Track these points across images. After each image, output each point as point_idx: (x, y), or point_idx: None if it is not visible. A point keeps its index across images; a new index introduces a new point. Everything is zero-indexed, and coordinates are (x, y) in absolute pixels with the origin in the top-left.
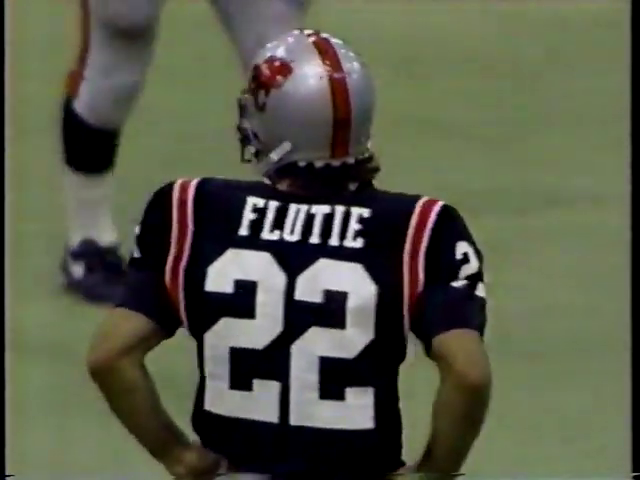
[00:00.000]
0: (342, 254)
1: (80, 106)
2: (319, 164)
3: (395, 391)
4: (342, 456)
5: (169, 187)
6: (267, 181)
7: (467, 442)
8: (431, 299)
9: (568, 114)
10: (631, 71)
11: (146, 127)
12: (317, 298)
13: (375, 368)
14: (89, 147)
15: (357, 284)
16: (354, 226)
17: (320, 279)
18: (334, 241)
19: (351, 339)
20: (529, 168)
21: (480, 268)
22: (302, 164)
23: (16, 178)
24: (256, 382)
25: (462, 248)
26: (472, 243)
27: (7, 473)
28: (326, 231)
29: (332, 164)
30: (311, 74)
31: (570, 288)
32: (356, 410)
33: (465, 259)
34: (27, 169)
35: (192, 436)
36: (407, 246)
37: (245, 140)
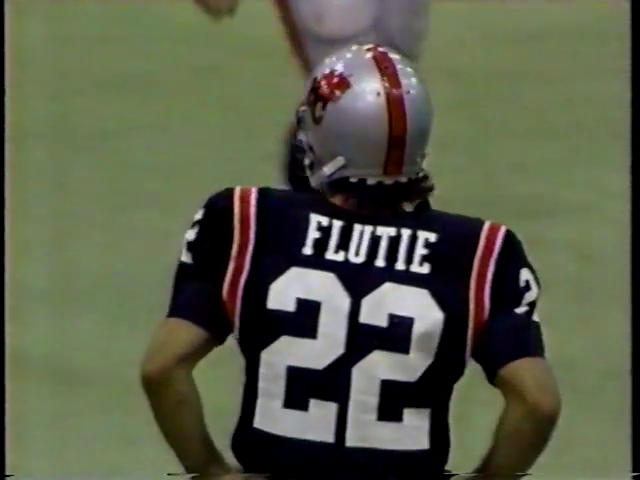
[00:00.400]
0: (408, 279)
1: None
2: (371, 181)
3: (447, 409)
4: (396, 476)
5: (228, 196)
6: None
7: (528, 466)
8: (496, 327)
9: (542, 124)
10: (632, 76)
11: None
12: (382, 322)
13: (434, 390)
14: None
15: (423, 310)
16: (421, 251)
17: (386, 303)
18: (400, 265)
19: (413, 363)
20: (502, 179)
21: (538, 295)
22: (354, 180)
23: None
24: (313, 402)
25: (525, 275)
26: (531, 269)
27: (7, 473)
28: (392, 254)
29: (384, 182)
30: (369, 90)
31: (560, 299)
32: (413, 431)
33: (527, 286)
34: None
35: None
36: (474, 273)
37: (301, 152)
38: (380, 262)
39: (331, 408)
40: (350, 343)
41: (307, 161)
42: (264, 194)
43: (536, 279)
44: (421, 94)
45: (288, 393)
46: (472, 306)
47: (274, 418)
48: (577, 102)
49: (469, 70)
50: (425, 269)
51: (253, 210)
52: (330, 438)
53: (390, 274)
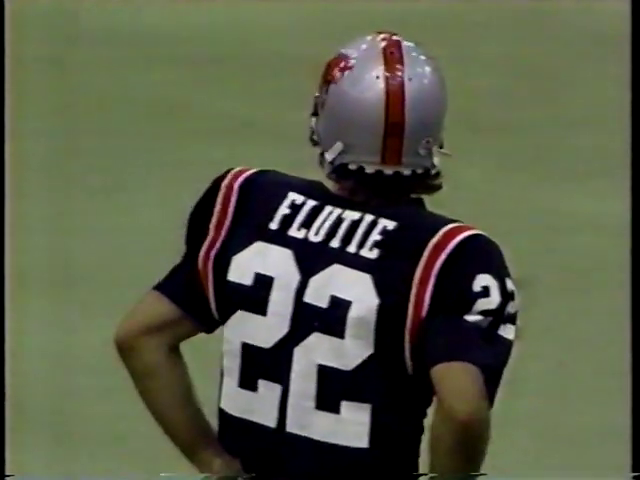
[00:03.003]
0: (356, 262)
1: None
2: (370, 169)
3: (403, 415)
4: (332, 471)
5: (225, 174)
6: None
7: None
8: (437, 328)
9: None
10: (632, 77)
11: None
12: (323, 303)
13: (373, 385)
14: None
15: (362, 295)
16: (375, 236)
17: (330, 284)
18: (352, 248)
19: (349, 350)
20: None
21: (503, 306)
22: (353, 167)
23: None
24: (261, 383)
25: (483, 281)
26: (502, 280)
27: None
28: (348, 237)
29: (384, 172)
30: (369, 73)
31: None
32: (350, 426)
33: (484, 293)
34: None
35: None
36: (420, 266)
37: (312, 141)
38: (335, 243)
39: (276, 390)
40: (294, 322)
41: (318, 149)
42: (258, 173)
43: (504, 290)
44: (429, 83)
45: (242, 372)
46: (412, 299)
47: (232, 398)
48: None
49: (300, 59)
50: (373, 254)
51: (238, 184)
52: (272, 422)
53: (340, 256)
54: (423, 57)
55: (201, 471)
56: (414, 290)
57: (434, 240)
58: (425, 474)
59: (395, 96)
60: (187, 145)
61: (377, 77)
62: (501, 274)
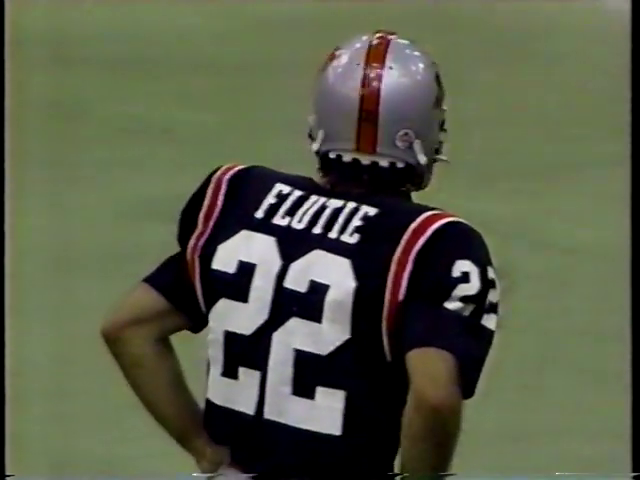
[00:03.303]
0: (336, 248)
1: None
2: (347, 158)
3: (379, 405)
4: (306, 458)
5: (216, 169)
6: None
7: (432, 464)
8: (415, 314)
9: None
10: (632, 76)
11: None
12: (302, 288)
13: (349, 370)
14: None
15: (340, 279)
16: (356, 222)
17: (310, 270)
18: (333, 234)
19: (326, 335)
20: None
21: (484, 293)
22: (332, 156)
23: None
24: (241, 370)
25: (463, 266)
26: (482, 266)
27: (7, 473)
28: (330, 224)
29: (361, 161)
30: (349, 60)
31: None
32: (324, 412)
33: (464, 278)
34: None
35: None
36: (398, 250)
37: (310, 138)
38: (317, 230)
39: (255, 377)
40: (274, 308)
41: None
42: (250, 167)
43: (485, 278)
44: (413, 76)
45: (225, 360)
46: (390, 282)
47: (216, 387)
48: None
49: (225, 61)
50: (353, 239)
51: (227, 178)
52: (251, 410)
53: (321, 242)
54: (416, 53)
55: (196, 459)
56: (392, 274)
57: (414, 225)
58: (397, 474)
59: (371, 82)
60: (85, 147)
61: (357, 64)
62: (482, 261)
